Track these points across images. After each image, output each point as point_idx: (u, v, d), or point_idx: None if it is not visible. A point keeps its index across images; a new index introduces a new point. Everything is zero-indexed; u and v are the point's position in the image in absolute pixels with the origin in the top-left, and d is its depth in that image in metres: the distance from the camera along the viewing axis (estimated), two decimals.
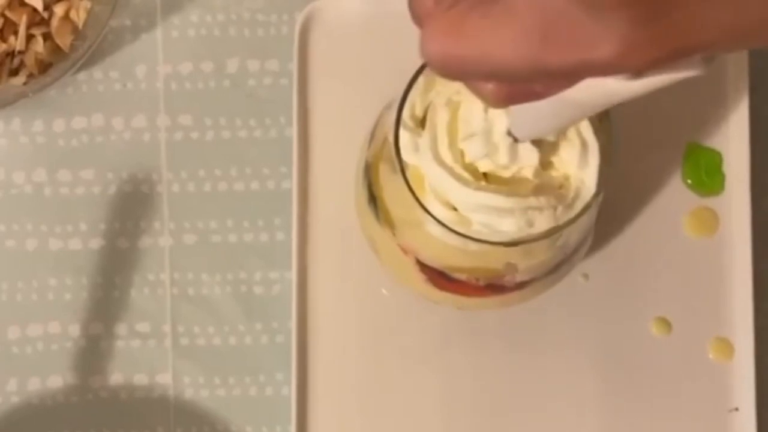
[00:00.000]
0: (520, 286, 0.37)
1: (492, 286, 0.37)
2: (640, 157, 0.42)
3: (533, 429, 0.42)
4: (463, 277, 0.36)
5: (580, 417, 0.42)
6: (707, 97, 0.43)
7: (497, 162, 0.31)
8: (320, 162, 0.42)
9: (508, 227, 0.31)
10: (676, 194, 0.43)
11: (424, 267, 0.37)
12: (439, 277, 0.37)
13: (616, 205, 0.42)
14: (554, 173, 0.33)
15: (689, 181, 0.43)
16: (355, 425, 0.42)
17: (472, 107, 0.31)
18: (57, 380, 0.42)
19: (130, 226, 0.43)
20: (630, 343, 0.42)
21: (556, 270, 0.37)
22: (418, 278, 0.38)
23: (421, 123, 0.33)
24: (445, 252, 0.34)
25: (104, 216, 0.43)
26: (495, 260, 0.35)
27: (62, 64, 0.42)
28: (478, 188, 0.31)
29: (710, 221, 0.42)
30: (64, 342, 0.42)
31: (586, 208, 0.32)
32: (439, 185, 0.32)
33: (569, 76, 0.21)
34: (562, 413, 0.42)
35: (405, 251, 0.37)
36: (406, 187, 0.32)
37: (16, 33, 0.41)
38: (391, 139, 0.32)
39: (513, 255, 0.34)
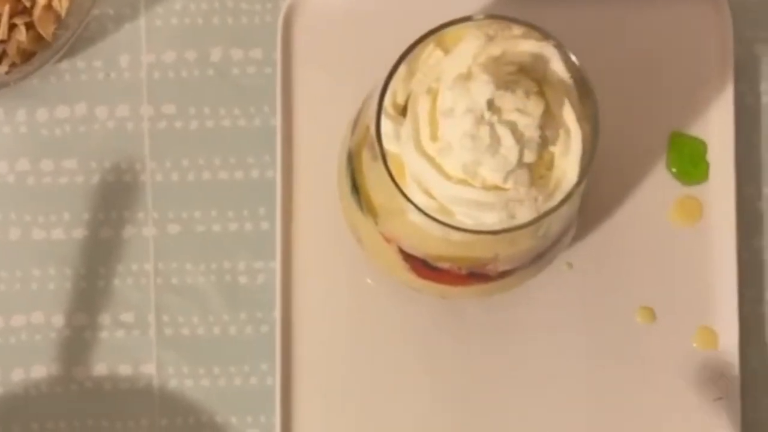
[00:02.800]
0: (503, 275, 0.37)
1: (474, 274, 0.37)
2: (625, 145, 0.42)
3: (518, 417, 0.42)
4: (446, 265, 0.36)
5: (564, 405, 0.42)
6: (691, 86, 0.43)
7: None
8: (304, 151, 0.42)
9: (490, 219, 0.31)
10: (660, 183, 0.43)
11: (407, 256, 0.37)
12: (422, 266, 0.37)
13: (600, 195, 0.42)
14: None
15: (673, 170, 0.43)
16: (340, 415, 0.42)
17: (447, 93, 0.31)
18: (41, 370, 0.42)
19: (113, 216, 0.43)
20: (614, 332, 0.42)
21: (539, 259, 0.37)
22: (401, 267, 0.38)
23: (403, 111, 0.33)
24: (427, 241, 0.34)
25: (88, 205, 0.43)
26: (477, 249, 0.35)
27: (45, 53, 0.42)
28: (458, 182, 0.31)
29: (694, 210, 0.42)
30: (48, 332, 0.42)
31: (567, 197, 0.31)
32: (419, 175, 0.32)
33: None
34: (547, 401, 0.42)
35: (388, 240, 0.37)
36: (387, 175, 0.31)
37: None
38: (372, 127, 0.32)
39: (495, 244, 0.34)
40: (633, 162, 0.43)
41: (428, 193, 0.32)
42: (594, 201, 0.40)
